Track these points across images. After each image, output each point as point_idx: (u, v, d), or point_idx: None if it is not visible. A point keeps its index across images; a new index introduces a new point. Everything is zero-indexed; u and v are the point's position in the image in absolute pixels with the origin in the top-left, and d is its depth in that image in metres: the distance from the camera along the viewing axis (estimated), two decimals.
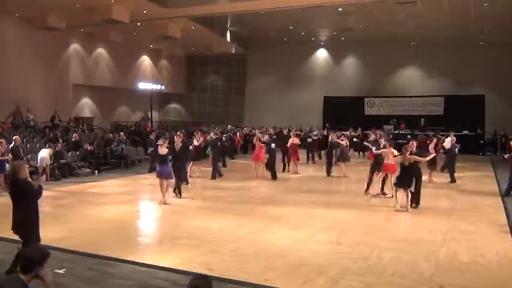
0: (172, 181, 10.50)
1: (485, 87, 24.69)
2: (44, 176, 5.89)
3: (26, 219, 5.32)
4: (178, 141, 11.04)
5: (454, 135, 14.60)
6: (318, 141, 19.90)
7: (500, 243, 7.25)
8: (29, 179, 5.67)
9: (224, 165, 16.84)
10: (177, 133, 13.35)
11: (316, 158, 19.32)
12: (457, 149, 14.08)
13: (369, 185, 11.43)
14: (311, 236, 7.52)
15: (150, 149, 11.68)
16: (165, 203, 9.99)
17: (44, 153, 13.53)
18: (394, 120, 25.33)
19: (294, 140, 15.25)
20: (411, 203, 9.60)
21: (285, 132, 17.85)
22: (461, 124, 23.15)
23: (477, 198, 11.29)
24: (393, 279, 5.60)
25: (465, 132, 23.06)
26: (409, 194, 9.50)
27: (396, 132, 23.62)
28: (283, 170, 15.68)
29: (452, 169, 13.82)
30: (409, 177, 9.44)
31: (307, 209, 9.67)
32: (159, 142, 10.60)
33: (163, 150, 10.23)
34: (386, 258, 6.33)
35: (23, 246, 5.00)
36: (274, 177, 14.09)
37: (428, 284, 5.46)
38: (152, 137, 16.54)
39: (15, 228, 5.37)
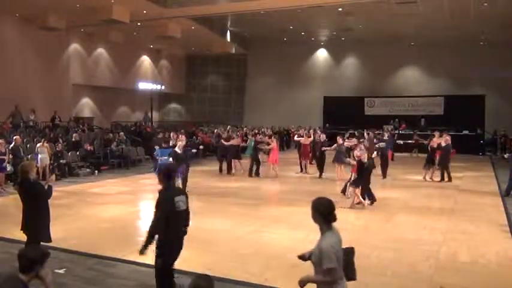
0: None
1: (485, 87, 24.65)
2: (54, 176, 5.85)
3: (35, 219, 5.28)
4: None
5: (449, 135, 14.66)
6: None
7: (500, 243, 7.26)
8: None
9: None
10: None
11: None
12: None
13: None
14: (311, 237, 7.50)
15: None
16: None
17: (44, 153, 13.55)
18: (397, 120, 25.37)
19: (305, 141, 15.25)
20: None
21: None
22: (461, 124, 23.17)
23: (477, 198, 11.29)
24: (393, 279, 5.60)
25: (465, 132, 23.09)
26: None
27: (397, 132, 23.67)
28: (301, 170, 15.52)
29: (442, 168, 13.66)
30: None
31: (308, 209, 9.62)
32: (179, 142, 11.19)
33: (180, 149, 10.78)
34: (386, 258, 6.32)
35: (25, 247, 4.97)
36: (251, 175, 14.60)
37: (428, 284, 5.46)
38: (160, 136, 16.73)
39: (24, 229, 5.32)
